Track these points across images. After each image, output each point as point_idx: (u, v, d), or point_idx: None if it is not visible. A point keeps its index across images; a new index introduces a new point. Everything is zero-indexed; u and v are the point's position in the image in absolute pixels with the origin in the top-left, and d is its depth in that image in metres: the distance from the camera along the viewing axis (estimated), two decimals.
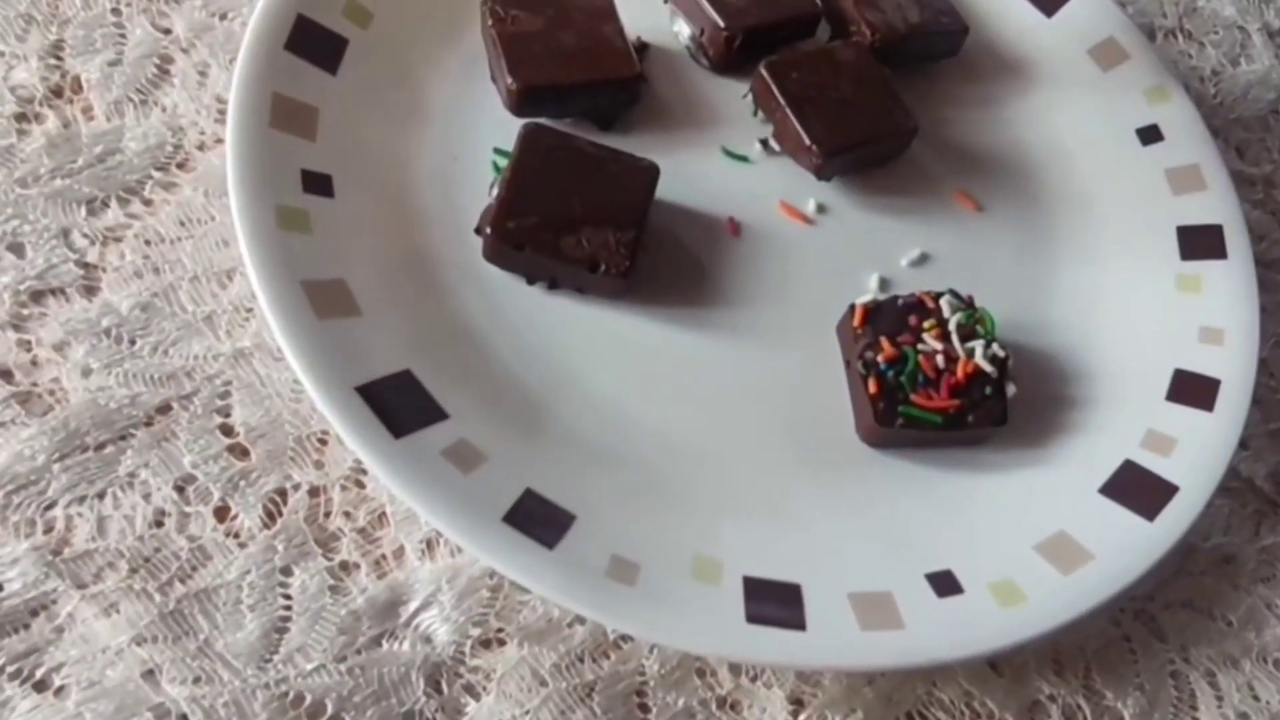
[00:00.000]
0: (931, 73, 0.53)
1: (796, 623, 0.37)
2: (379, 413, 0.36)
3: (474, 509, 0.35)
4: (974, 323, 0.44)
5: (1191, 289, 0.48)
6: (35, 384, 0.38)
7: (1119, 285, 0.49)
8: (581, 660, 0.37)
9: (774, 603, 0.37)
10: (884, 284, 0.47)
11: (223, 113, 0.44)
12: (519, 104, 0.45)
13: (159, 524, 0.37)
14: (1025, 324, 0.47)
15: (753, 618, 0.36)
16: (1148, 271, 0.49)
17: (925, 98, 0.52)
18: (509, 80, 0.44)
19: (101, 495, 0.37)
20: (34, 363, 0.38)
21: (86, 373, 0.38)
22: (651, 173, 0.44)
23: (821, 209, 0.48)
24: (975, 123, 0.53)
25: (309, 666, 0.35)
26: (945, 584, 0.39)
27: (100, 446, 0.37)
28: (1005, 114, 0.53)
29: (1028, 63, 0.55)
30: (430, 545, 0.38)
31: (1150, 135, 0.52)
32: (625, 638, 0.38)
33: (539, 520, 0.36)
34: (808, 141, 0.46)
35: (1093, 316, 0.48)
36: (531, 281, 0.43)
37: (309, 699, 0.35)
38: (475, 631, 0.37)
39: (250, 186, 0.39)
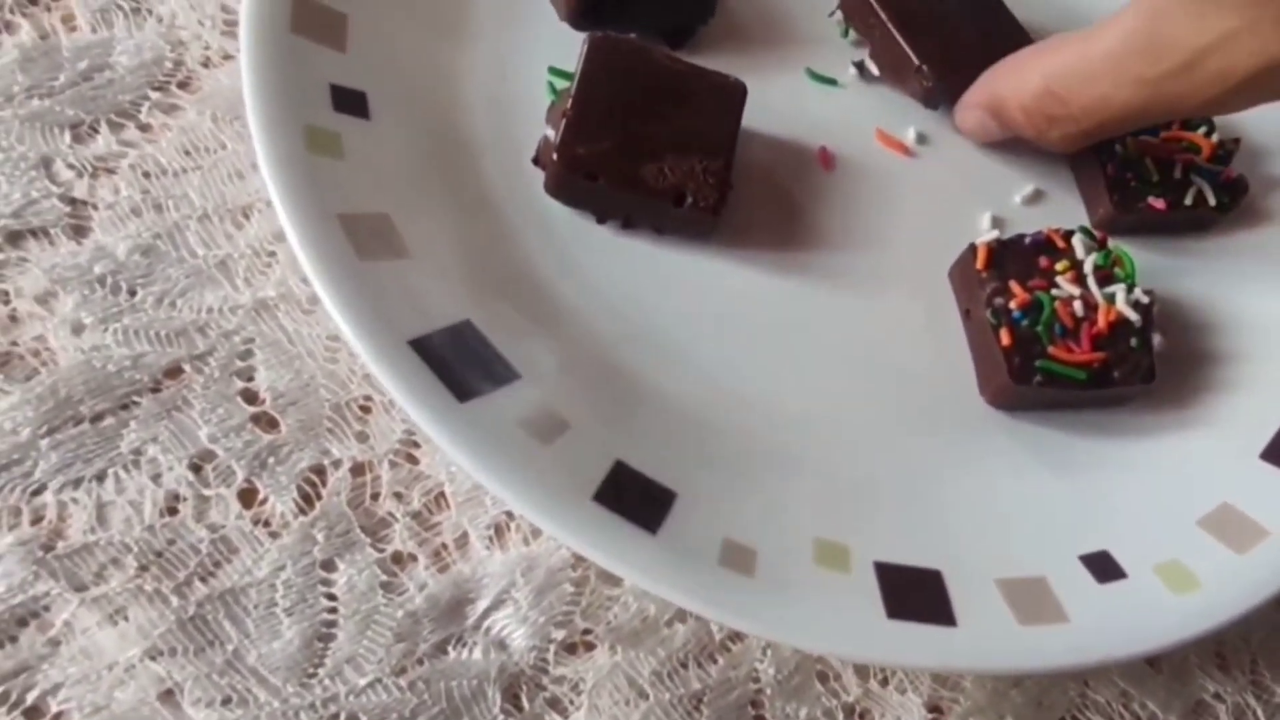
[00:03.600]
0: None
1: (945, 617, 0.31)
2: (439, 372, 0.30)
3: (561, 486, 0.29)
4: (1111, 264, 0.38)
5: None
6: (15, 343, 0.31)
7: (1254, 226, 0.43)
8: (685, 666, 0.31)
9: (915, 594, 0.31)
10: (996, 223, 0.41)
11: (230, 24, 0.37)
12: (578, 13, 0.38)
13: (172, 511, 0.30)
14: (1159, 268, 0.41)
15: (895, 612, 0.30)
16: None
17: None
18: None
19: (101, 477, 0.30)
20: (13, 318, 0.31)
21: (78, 329, 0.31)
22: (740, 92, 0.37)
23: (923, 139, 0.42)
24: None
25: (361, 682, 0.29)
26: (1105, 567, 0.33)
27: (97, 418, 0.31)
28: None
29: None
30: (499, 531, 0.32)
31: None
32: (734, 637, 0.32)
33: (636, 499, 0.30)
34: (916, 61, 0.40)
35: (1234, 257, 0.42)
36: (602, 220, 0.37)
37: None
38: (558, 634, 0.31)
39: (272, 101, 0.32)
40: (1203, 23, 0.32)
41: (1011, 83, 0.38)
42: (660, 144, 0.35)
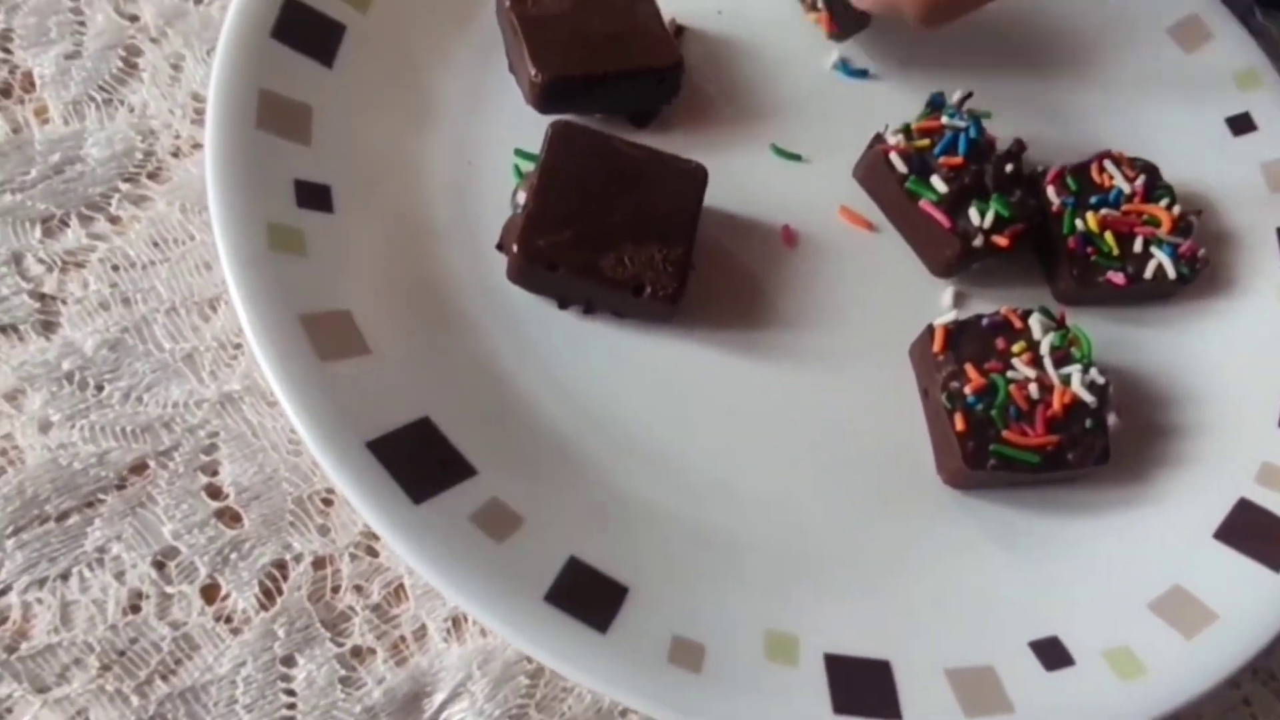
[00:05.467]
0: (994, 62, 0.47)
1: (890, 710, 0.31)
2: (395, 473, 0.30)
3: (511, 586, 0.30)
4: (1068, 344, 0.38)
5: None
6: None
7: (1215, 298, 0.44)
8: None
9: (863, 687, 0.32)
10: (959, 299, 0.42)
11: (200, 113, 0.38)
12: (544, 98, 0.39)
13: (135, 609, 0.31)
14: (1119, 339, 0.42)
15: (841, 707, 0.31)
16: (1246, 281, 0.44)
17: (988, 85, 0.46)
18: (532, 71, 0.38)
19: (65, 576, 0.31)
20: None
21: (45, 427, 0.32)
22: (700, 177, 0.38)
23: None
24: (1044, 113, 0.47)
25: None
26: (1053, 654, 0.34)
27: (63, 516, 0.31)
28: (1077, 103, 0.47)
29: (1099, 45, 0.49)
30: (457, 623, 0.33)
31: (1242, 125, 0.47)
32: None
33: (587, 596, 0.31)
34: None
35: (1195, 327, 0.43)
36: (564, 305, 0.37)
37: None
38: None
39: (235, 199, 0.33)
40: None
41: None
42: (620, 233, 0.36)
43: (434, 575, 0.29)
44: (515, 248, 0.35)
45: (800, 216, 0.42)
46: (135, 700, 0.30)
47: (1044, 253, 0.43)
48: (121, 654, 0.30)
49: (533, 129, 0.38)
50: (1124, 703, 0.33)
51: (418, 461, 0.31)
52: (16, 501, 0.31)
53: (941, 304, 0.42)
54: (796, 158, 0.43)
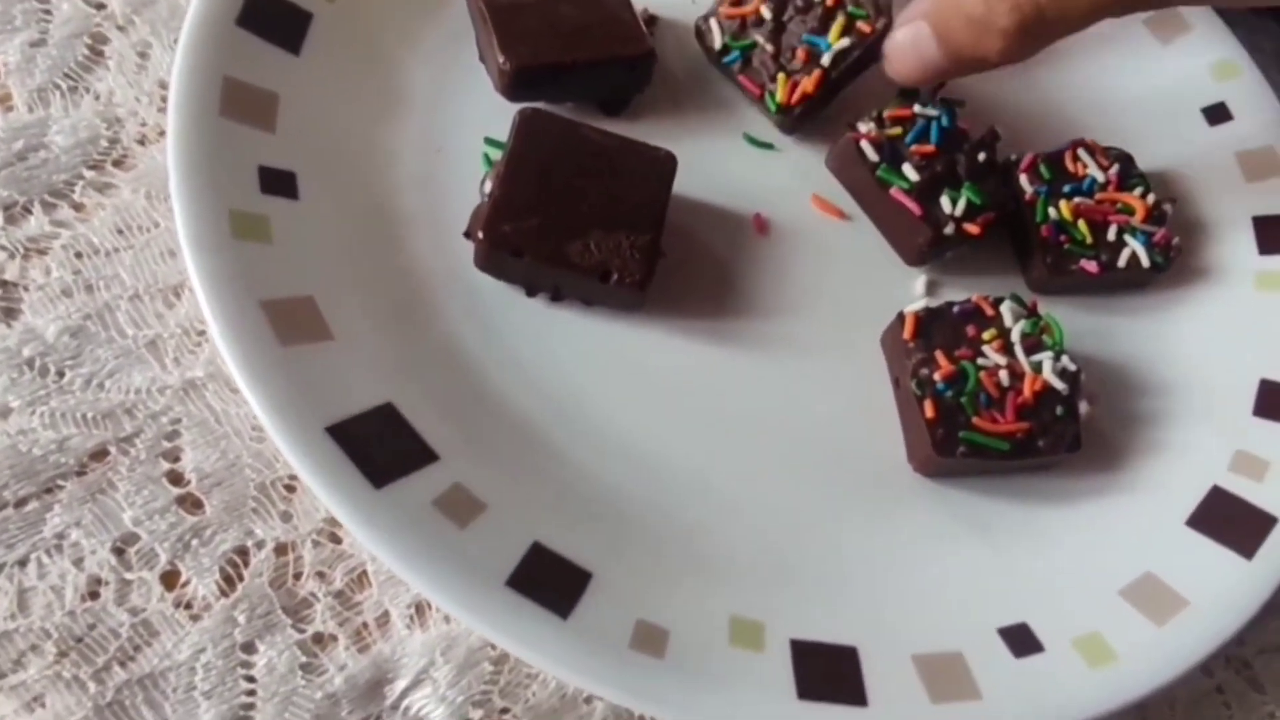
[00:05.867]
0: None
1: (856, 697, 0.31)
2: (355, 457, 0.30)
3: (473, 572, 0.30)
4: (1040, 332, 0.38)
5: (1273, 287, 0.43)
6: None
7: (1189, 287, 0.43)
8: None
9: (828, 672, 0.31)
10: (931, 287, 0.42)
11: (167, 100, 0.38)
12: (513, 87, 0.39)
13: (94, 595, 0.31)
14: (1092, 328, 0.41)
15: (805, 693, 0.31)
16: (1221, 269, 0.44)
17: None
18: (501, 59, 0.38)
19: (24, 562, 0.30)
20: None
21: (4, 413, 0.32)
22: (669, 164, 0.38)
23: None
24: (1019, 106, 0.47)
25: None
26: (1022, 641, 0.34)
27: (21, 503, 0.31)
28: (1051, 94, 0.47)
29: (1075, 38, 0.48)
30: (420, 609, 0.32)
31: (1218, 114, 0.47)
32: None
33: (550, 581, 0.31)
34: None
35: (1168, 315, 0.43)
36: (531, 293, 0.37)
37: None
38: (476, 714, 0.31)
39: (197, 186, 0.32)
40: None
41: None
42: (587, 220, 0.36)
43: (394, 561, 0.29)
44: (481, 234, 0.35)
45: (772, 205, 0.41)
46: (93, 686, 0.29)
47: (1017, 241, 0.43)
48: (79, 640, 0.30)
49: (502, 117, 0.38)
50: (1093, 689, 0.32)
51: (379, 447, 0.31)
52: None
53: (914, 292, 0.41)
54: (769, 146, 0.43)
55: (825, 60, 0.39)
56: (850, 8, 0.40)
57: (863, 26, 0.40)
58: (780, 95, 0.40)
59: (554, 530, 0.32)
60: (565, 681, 0.31)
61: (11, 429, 0.32)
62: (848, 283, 0.41)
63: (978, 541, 0.37)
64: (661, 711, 0.29)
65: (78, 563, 0.31)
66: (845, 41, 0.40)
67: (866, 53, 0.41)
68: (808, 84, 0.39)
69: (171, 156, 0.33)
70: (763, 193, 0.42)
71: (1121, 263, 0.42)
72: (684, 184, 0.39)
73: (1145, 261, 0.42)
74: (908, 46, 0.37)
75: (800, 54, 0.40)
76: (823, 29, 0.40)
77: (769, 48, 0.40)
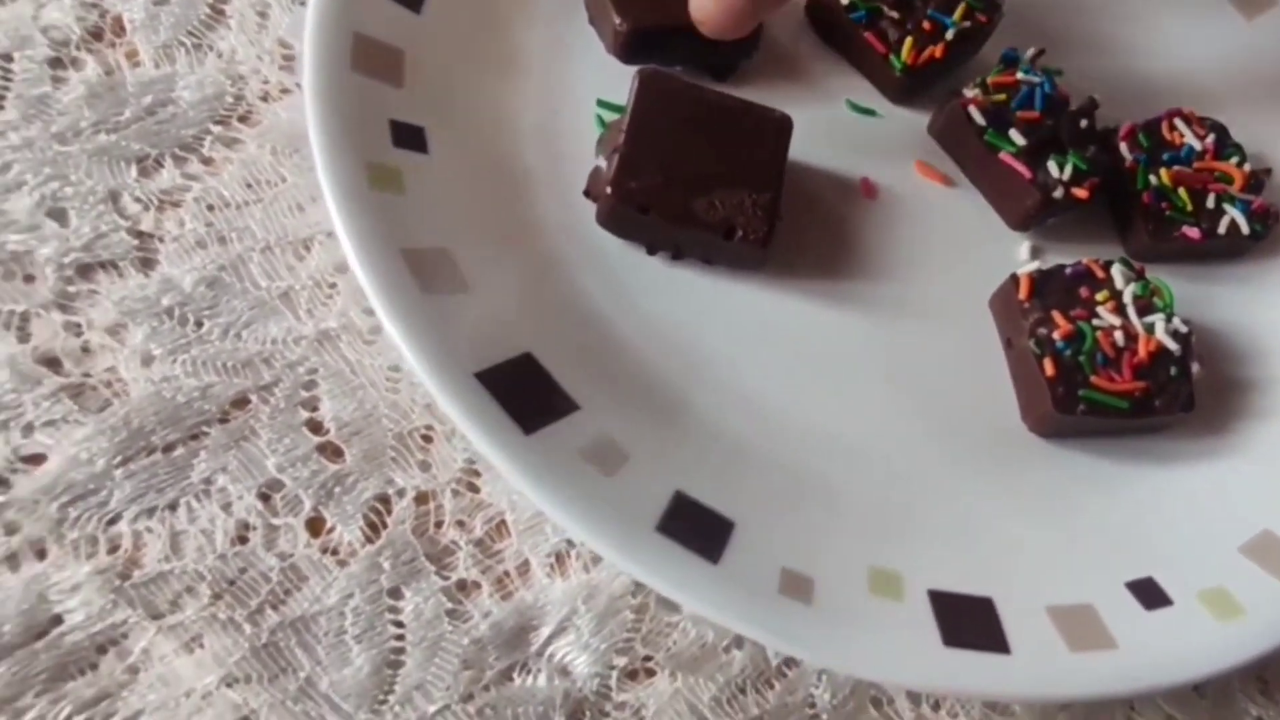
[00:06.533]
0: (1058, 27, 0.47)
1: (999, 644, 0.31)
2: (505, 404, 0.30)
3: (624, 517, 0.30)
4: (1150, 294, 0.39)
5: None
6: (88, 374, 0.32)
7: None
8: (744, 691, 0.32)
9: (969, 622, 0.32)
10: (1035, 253, 0.42)
11: (288, 59, 0.38)
12: (627, 48, 0.39)
13: (243, 540, 0.31)
14: (1193, 295, 0.42)
15: (951, 640, 0.31)
16: None
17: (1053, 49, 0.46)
18: (617, 21, 0.38)
19: (174, 506, 0.31)
20: (85, 349, 0.32)
21: (147, 360, 0.32)
22: (786, 125, 0.38)
23: None
24: (1109, 75, 0.47)
25: (431, 709, 0.30)
26: (1151, 594, 0.34)
27: (169, 448, 0.31)
28: (1138, 66, 0.48)
29: (1160, 11, 0.49)
30: (560, 559, 0.33)
31: None
32: (790, 663, 0.33)
33: (697, 529, 0.31)
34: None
35: (1267, 283, 0.43)
36: (652, 251, 0.37)
37: None
38: (620, 661, 0.32)
39: (337, 139, 0.33)
40: None
41: None
42: (710, 178, 0.36)
43: (550, 506, 0.29)
44: (609, 190, 0.35)
45: (878, 170, 0.42)
46: (248, 628, 0.29)
47: (1117, 208, 0.43)
48: (232, 583, 0.30)
49: (614, 79, 0.39)
50: (1224, 642, 0.33)
51: (525, 394, 0.31)
52: (123, 432, 0.31)
53: (1018, 257, 0.42)
54: (872, 113, 0.43)
55: (949, 35, 0.40)
56: None
57: (980, 16, 0.41)
58: (906, 55, 0.40)
59: (694, 480, 0.32)
60: (719, 625, 0.31)
61: (155, 376, 0.32)
62: (953, 246, 0.41)
63: (1095, 499, 0.37)
64: (816, 656, 0.29)
65: (225, 507, 0.31)
66: (966, 24, 0.41)
67: (976, 40, 0.42)
68: (935, 50, 0.40)
69: (311, 109, 0.33)
70: (868, 158, 0.42)
71: (1221, 229, 0.42)
72: (793, 147, 0.39)
73: (1245, 229, 0.42)
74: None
75: (926, 25, 0.40)
76: (948, 9, 0.41)
77: (894, 14, 0.40)
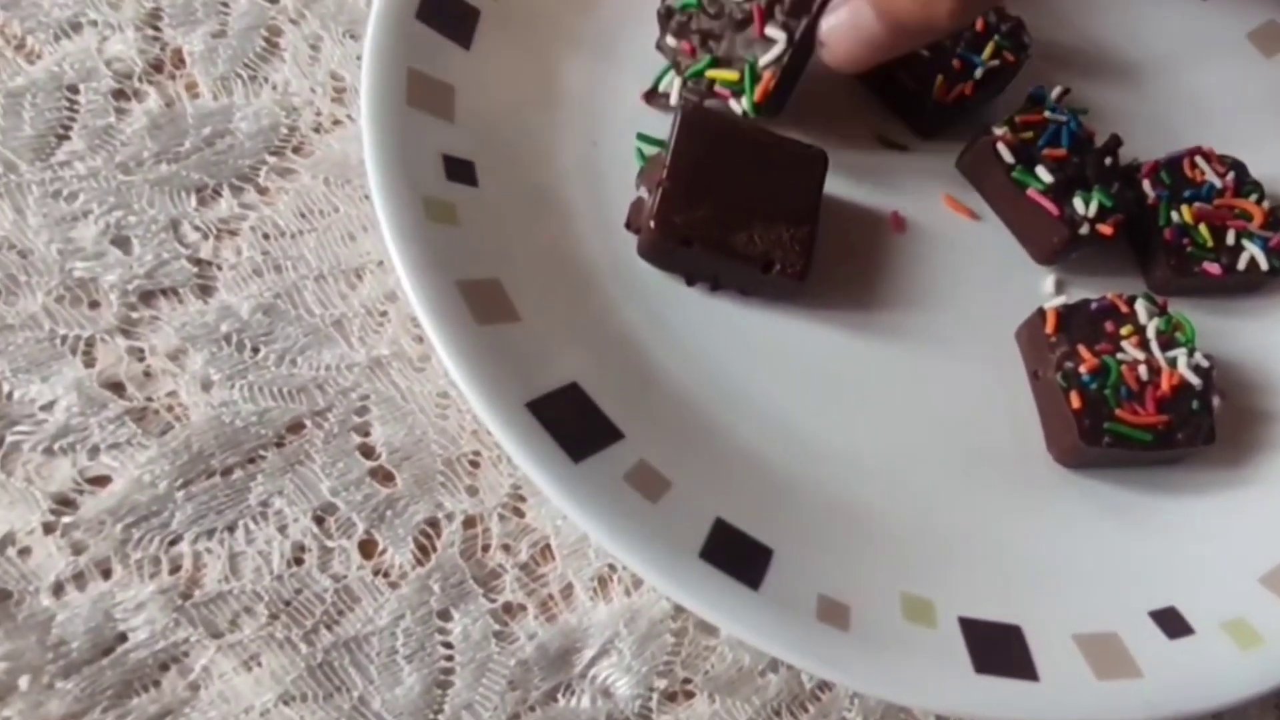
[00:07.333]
0: (1082, 69, 0.49)
1: (1028, 672, 0.32)
2: (554, 433, 0.31)
3: (669, 543, 0.31)
4: (1173, 329, 0.40)
5: None
6: (151, 399, 0.33)
7: None
8: (779, 713, 0.33)
9: (1000, 649, 0.33)
10: (1060, 286, 0.43)
11: (339, 91, 0.39)
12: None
13: (299, 561, 0.32)
14: (1213, 329, 0.43)
15: (982, 667, 0.32)
16: None
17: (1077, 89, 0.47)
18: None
19: (232, 528, 0.32)
20: (147, 374, 0.33)
21: (207, 385, 0.33)
22: (822, 161, 0.39)
23: None
24: (1131, 113, 0.48)
25: None
26: (1173, 624, 0.35)
27: (227, 471, 0.32)
28: (1160, 105, 0.49)
29: (1182, 51, 0.50)
30: (602, 582, 0.34)
31: None
32: (824, 687, 0.34)
33: (737, 556, 0.32)
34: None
35: (1277, 321, 0.44)
36: (691, 282, 0.39)
37: None
38: (660, 683, 0.33)
39: (394, 174, 0.34)
40: None
41: None
42: (749, 212, 0.37)
43: (598, 532, 0.30)
44: (652, 224, 0.36)
45: (907, 204, 0.43)
46: (304, 648, 0.31)
47: (1139, 243, 0.44)
48: (288, 603, 0.31)
49: (652, 114, 0.40)
50: (1247, 670, 0.34)
51: (573, 423, 0.32)
52: (185, 456, 0.32)
53: (1043, 290, 0.43)
54: (902, 148, 0.44)
55: (978, 74, 0.42)
56: (998, 38, 0.42)
57: (1008, 55, 0.43)
58: (937, 92, 0.41)
59: (733, 507, 0.33)
60: (756, 650, 0.32)
61: (214, 401, 0.33)
62: (981, 280, 0.42)
63: (1118, 529, 0.38)
64: (853, 681, 0.30)
65: (282, 530, 0.32)
66: (995, 62, 0.42)
67: (1003, 78, 0.43)
68: (965, 87, 0.41)
69: (368, 144, 0.34)
70: (898, 192, 0.43)
71: (1241, 265, 0.43)
72: (827, 182, 0.40)
73: (1264, 265, 0.43)
74: (848, 26, 0.37)
75: (956, 63, 0.42)
76: (977, 49, 0.42)
77: (925, 52, 0.42)
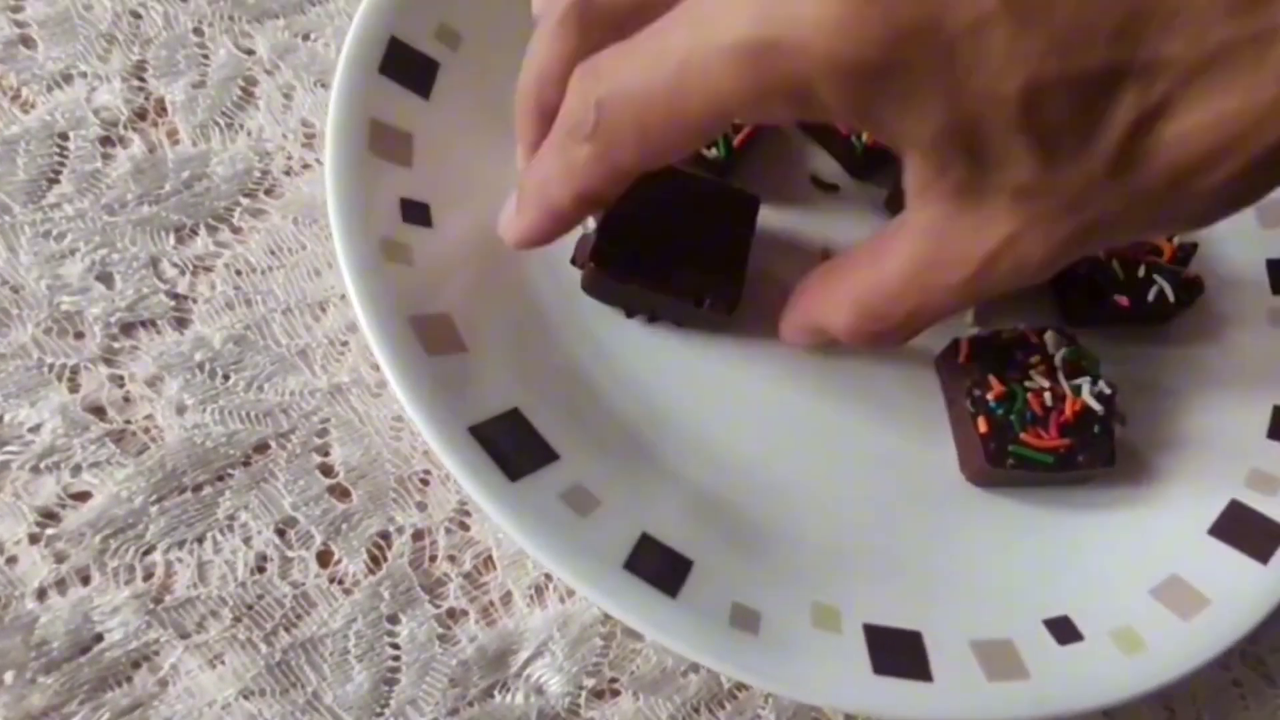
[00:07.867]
0: None
1: (923, 674, 0.35)
2: (494, 455, 0.35)
3: (595, 556, 0.34)
4: (1079, 359, 0.43)
5: None
6: (129, 421, 0.36)
7: (1209, 319, 0.48)
8: (698, 711, 0.36)
9: (898, 652, 0.36)
10: (980, 317, 0.46)
11: (310, 137, 0.43)
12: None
13: (261, 569, 0.35)
14: (1122, 356, 0.46)
15: (880, 668, 0.35)
16: (1237, 306, 0.48)
17: None
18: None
19: (201, 539, 0.35)
20: (127, 399, 0.36)
21: (181, 409, 0.37)
22: (753, 205, 0.43)
23: None
24: None
25: None
26: (1065, 631, 0.38)
27: (198, 488, 0.36)
28: None
29: None
30: (539, 591, 0.37)
31: None
32: (740, 687, 0.37)
33: (659, 567, 0.35)
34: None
35: (1190, 348, 0.47)
36: (630, 314, 0.42)
37: None
38: (589, 682, 0.36)
39: (354, 217, 0.37)
40: (980, 235, 0.30)
41: (826, 312, 0.37)
42: (683, 251, 0.41)
43: (530, 545, 0.33)
44: (592, 262, 0.40)
45: (837, 241, 0.46)
46: (264, 648, 0.34)
47: (1056, 278, 0.48)
48: (250, 608, 0.34)
49: None
50: (1128, 674, 0.37)
51: (511, 445, 0.36)
52: (159, 474, 0.35)
53: (965, 320, 0.46)
54: (834, 188, 0.48)
55: None
56: None
57: None
58: (866, 137, 0.45)
59: (659, 523, 0.36)
60: (676, 653, 0.35)
61: (188, 424, 0.36)
62: None
63: (1023, 544, 0.41)
64: (759, 681, 0.33)
65: (246, 541, 0.35)
66: None
67: None
68: None
69: (330, 190, 0.37)
70: (828, 229, 0.46)
71: (1150, 298, 0.46)
72: (761, 217, 0.43)
73: (1172, 297, 0.46)
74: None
75: None
76: None
77: None
